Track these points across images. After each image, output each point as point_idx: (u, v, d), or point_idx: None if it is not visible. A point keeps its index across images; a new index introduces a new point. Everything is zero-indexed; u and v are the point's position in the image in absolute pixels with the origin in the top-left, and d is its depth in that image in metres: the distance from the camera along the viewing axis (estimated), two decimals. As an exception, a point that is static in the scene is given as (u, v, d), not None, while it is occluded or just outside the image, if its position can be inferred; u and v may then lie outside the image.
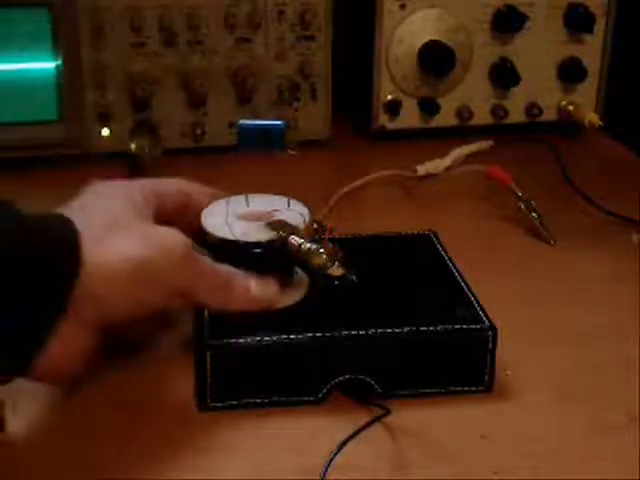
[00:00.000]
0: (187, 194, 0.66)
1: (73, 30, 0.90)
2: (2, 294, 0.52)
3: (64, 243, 0.55)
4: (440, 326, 0.61)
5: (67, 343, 0.56)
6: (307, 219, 0.64)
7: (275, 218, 0.64)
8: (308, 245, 0.61)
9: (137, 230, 0.59)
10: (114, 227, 0.58)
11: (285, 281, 0.64)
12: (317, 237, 0.63)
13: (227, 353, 0.59)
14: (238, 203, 0.66)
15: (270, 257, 0.62)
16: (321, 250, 0.61)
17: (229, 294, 0.62)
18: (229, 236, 0.62)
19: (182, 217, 0.65)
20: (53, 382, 0.59)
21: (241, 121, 0.62)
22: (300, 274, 0.65)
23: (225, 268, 0.63)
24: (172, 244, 0.59)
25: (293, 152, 0.64)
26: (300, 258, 0.62)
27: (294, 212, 0.64)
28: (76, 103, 0.92)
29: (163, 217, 0.63)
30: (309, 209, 0.65)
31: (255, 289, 0.62)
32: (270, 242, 0.62)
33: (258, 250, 0.61)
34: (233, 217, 0.64)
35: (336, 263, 0.66)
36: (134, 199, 0.62)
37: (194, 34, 0.93)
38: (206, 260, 0.62)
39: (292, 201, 0.66)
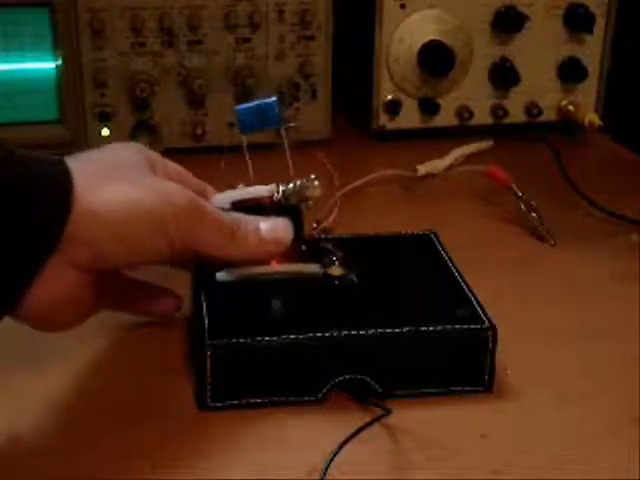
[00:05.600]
0: (204, 190, 0.65)
1: (73, 30, 0.90)
2: None
3: (55, 182, 0.54)
4: (440, 326, 0.61)
5: (55, 283, 0.55)
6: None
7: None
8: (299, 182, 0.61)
9: (140, 180, 0.58)
10: (116, 175, 0.57)
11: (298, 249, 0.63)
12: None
13: (227, 353, 0.59)
14: (235, 194, 0.66)
15: (273, 209, 0.62)
16: (316, 183, 0.61)
17: (238, 239, 0.60)
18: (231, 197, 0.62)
19: None
20: (42, 324, 0.58)
21: (237, 107, 0.64)
22: None
23: (233, 215, 0.62)
24: (174, 193, 0.58)
25: (292, 124, 0.65)
26: (296, 198, 0.62)
27: None
28: (76, 103, 0.92)
29: None
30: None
31: (266, 231, 0.61)
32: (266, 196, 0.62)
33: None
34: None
35: (336, 263, 0.66)
36: (152, 160, 0.61)
37: (194, 34, 0.93)
38: (212, 208, 0.60)
39: None
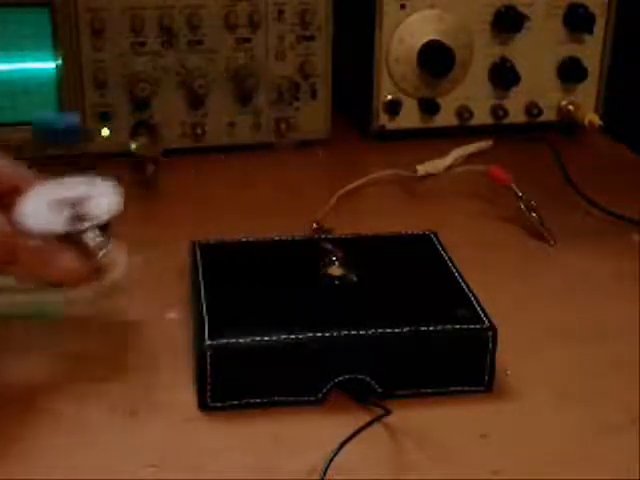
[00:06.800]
0: (19, 185, 0.62)
1: (73, 30, 0.90)
2: None
3: None
4: (440, 326, 0.61)
5: None
6: (113, 208, 0.61)
7: (82, 208, 0.61)
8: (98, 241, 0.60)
9: None
10: None
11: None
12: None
13: (227, 353, 0.59)
14: (55, 188, 0.63)
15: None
16: (107, 249, 0.60)
17: (44, 268, 0.59)
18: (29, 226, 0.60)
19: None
20: None
21: (36, 117, 0.63)
22: (116, 253, 0.63)
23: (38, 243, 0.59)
24: None
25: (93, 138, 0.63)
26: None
27: (104, 198, 0.62)
28: (76, 103, 0.92)
29: None
30: (120, 196, 0.62)
31: (68, 261, 0.59)
32: (66, 235, 0.60)
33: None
34: (45, 204, 0.62)
35: (336, 263, 0.66)
36: None
37: (194, 34, 0.93)
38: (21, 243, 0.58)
39: (105, 185, 0.63)
